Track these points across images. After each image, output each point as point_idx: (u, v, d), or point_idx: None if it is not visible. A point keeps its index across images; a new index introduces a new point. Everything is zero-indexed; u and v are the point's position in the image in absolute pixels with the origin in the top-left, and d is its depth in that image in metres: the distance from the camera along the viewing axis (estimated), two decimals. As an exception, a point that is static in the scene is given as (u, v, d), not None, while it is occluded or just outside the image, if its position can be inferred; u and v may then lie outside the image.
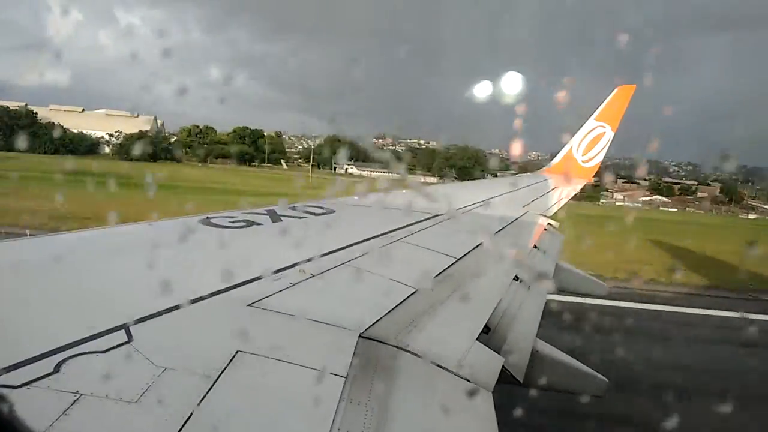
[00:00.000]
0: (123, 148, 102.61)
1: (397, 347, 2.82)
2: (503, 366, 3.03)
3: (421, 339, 2.97)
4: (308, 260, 3.75)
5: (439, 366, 2.76)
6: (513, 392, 3.19)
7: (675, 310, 19.13)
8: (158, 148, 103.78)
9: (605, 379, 3.83)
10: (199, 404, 1.94)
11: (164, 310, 2.57)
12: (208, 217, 4.60)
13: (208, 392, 2.02)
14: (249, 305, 2.87)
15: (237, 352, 2.33)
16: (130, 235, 4.11)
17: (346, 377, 2.33)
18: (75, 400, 1.82)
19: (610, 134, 16.30)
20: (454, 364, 2.80)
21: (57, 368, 1.97)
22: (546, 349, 3.77)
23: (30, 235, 4.44)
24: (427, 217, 6.28)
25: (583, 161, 16.47)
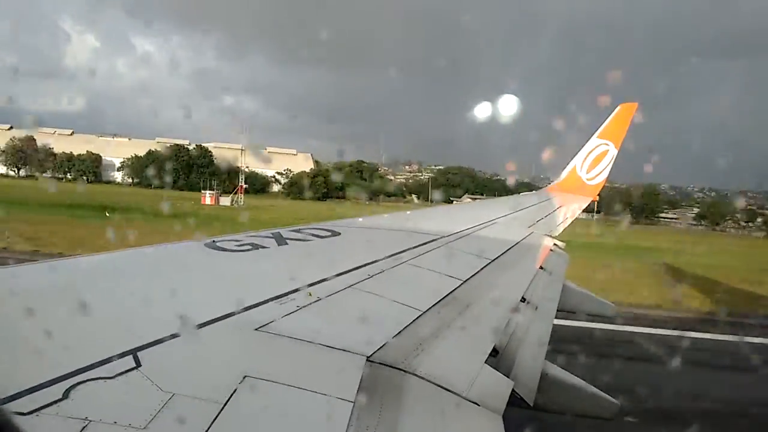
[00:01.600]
0: (295, 187, 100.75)
1: (404, 371, 2.81)
2: (513, 389, 3.00)
3: (428, 362, 2.95)
4: (315, 283, 3.75)
5: (447, 390, 2.74)
6: (524, 415, 3.16)
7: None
8: (325, 186, 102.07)
9: (616, 401, 3.79)
10: (207, 430, 1.93)
11: (171, 335, 2.57)
12: (214, 241, 4.62)
13: (216, 418, 2.01)
14: (256, 329, 2.86)
15: (245, 377, 2.32)
16: (135, 260, 4.12)
17: (354, 402, 2.32)
18: (84, 427, 1.81)
19: (613, 152, 16.36)
20: (463, 388, 2.78)
21: (66, 394, 1.96)
22: (555, 371, 3.74)
23: (41, 259, 4.46)
24: (433, 238, 6.28)
25: (587, 179, 16.50)
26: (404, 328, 3.33)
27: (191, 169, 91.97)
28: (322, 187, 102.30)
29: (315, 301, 3.46)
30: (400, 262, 4.96)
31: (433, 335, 3.37)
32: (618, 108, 16.40)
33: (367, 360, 2.75)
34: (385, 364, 2.80)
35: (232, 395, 2.17)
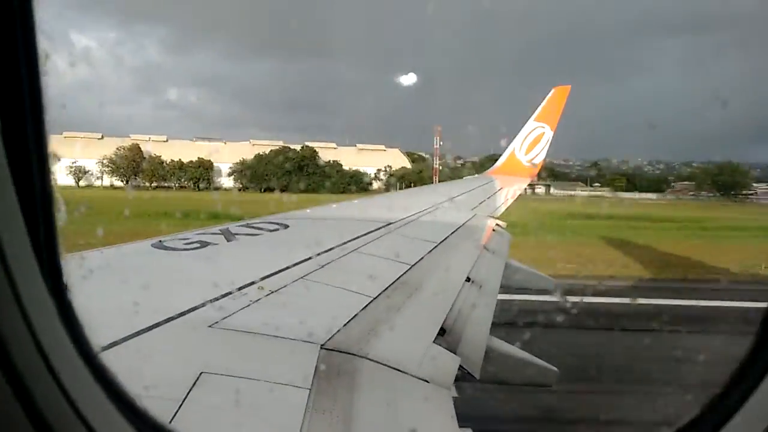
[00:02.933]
0: (403, 181, 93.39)
1: (357, 355, 2.93)
2: (460, 364, 3.18)
3: (380, 346, 3.09)
4: (266, 277, 3.81)
5: (398, 370, 2.88)
6: (472, 388, 3.35)
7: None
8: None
9: (556, 369, 4.05)
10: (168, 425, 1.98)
11: (125, 336, 2.59)
12: (160, 241, 4.58)
13: (175, 414, 2.07)
14: (210, 326, 2.91)
15: (201, 373, 2.38)
16: (81, 263, 4.05)
17: (310, 388, 2.42)
18: None
19: (549, 134, 17.00)
20: (413, 367, 2.93)
21: None
22: (500, 345, 3.96)
23: None
24: (380, 226, 6.42)
25: (526, 161, 17.09)
26: (355, 315, 3.45)
27: (301, 170, 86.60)
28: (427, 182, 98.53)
29: (267, 295, 3.52)
30: (348, 251, 5.07)
31: (384, 319, 3.51)
32: (552, 91, 17.02)
33: (321, 347, 2.86)
34: (338, 351, 2.91)
35: (189, 392, 2.23)
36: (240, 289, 3.50)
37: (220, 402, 2.29)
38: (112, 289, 3.38)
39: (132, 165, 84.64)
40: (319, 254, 4.67)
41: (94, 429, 1.14)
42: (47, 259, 1.13)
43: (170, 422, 2.03)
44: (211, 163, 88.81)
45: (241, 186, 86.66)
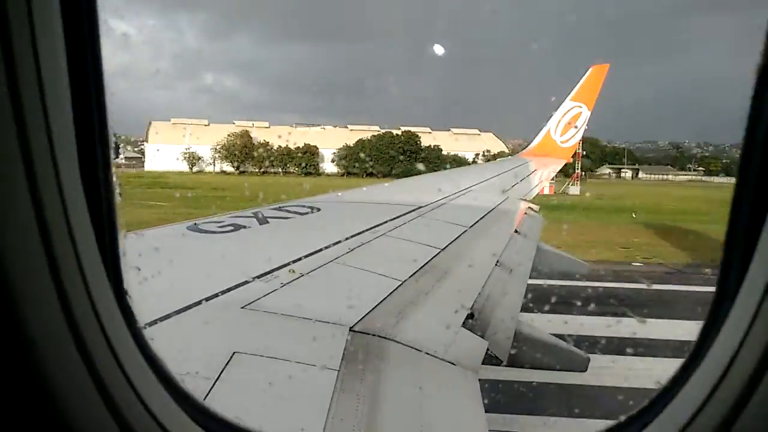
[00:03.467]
0: None
1: (386, 338, 2.98)
2: (487, 348, 3.20)
3: (408, 329, 3.13)
4: (297, 260, 3.89)
5: (426, 353, 2.92)
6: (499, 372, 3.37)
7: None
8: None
9: (587, 355, 4.03)
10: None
11: (161, 317, 2.69)
12: (195, 224, 4.71)
13: (208, 393, 2.15)
14: (243, 307, 3.00)
15: (234, 353, 2.47)
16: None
17: (338, 369, 2.48)
18: None
19: (586, 114, 16.56)
20: (441, 350, 2.97)
21: None
22: (529, 330, 3.96)
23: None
24: (410, 209, 6.43)
25: (561, 141, 16.72)
26: (385, 298, 3.50)
27: (403, 155, 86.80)
28: None
29: (298, 278, 3.60)
30: (379, 235, 5.11)
31: (413, 303, 3.55)
32: (590, 69, 16.54)
33: (350, 330, 2.92)
34: (367, 333, 2.97)
35: (222, 371, 2.31)
36: (272, 271, 3.58)
37: (251, 381, 2.37)
38: (148, 271, 3.50)
39: (243, 151, 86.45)
40: (349, 238, 4.73)
41: (155, 415, 1.21)
42: (111, 260, 1.20)
43: (205, 398, 2.11)
44: (317, 149, 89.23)
45: (343, 171, 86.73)
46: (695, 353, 1.33)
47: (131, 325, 1.25)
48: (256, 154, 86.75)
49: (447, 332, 3.23)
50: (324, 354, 2.65)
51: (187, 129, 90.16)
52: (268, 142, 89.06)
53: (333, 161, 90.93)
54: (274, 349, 2.61)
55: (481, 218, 6.89)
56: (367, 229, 5.14)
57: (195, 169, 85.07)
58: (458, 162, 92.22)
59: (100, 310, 1.10)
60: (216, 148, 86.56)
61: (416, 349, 2.95)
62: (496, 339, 3.45)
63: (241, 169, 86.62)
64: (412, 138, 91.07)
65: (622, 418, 1.45)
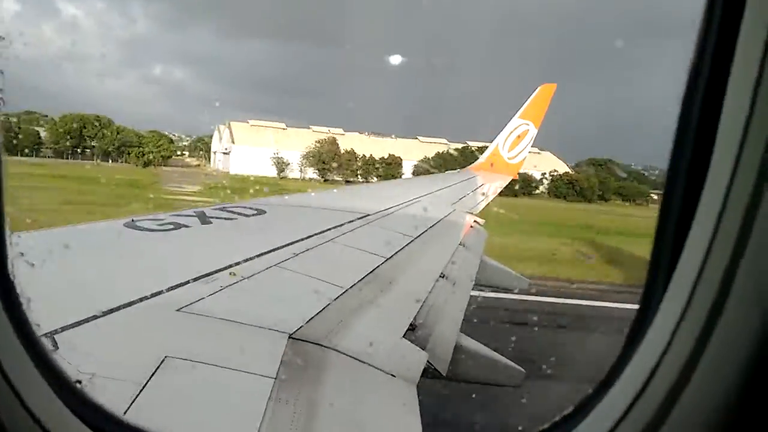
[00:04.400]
0: (568, 188, 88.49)
1: (325, 346, 2.93)
2: (427, 360, 3.20)
3: (349, 338, 3.09)
4: (239, 263, 3.79)
5: (365, 363, 2.89)
6: (438, 385, 3.38)
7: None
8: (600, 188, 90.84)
9: (522, 369, 4.10)
10: (127, 410, 1.97)
11: (91, 316, 2.55)
12: (133, 220, 4.51)
13: (135, 398, 2.05)
14: (178, 310, 2.89)
15: (165, 357, 2.36)
16: (55, 240, 3.97)
17: (275, 377, 2.42)
18: None
19: (533, 131, 17.07)
20: (381, 361, 2.95)
21: None
22: (468, 343, 3.99)
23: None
24: (357, 217, 6.41)
25: (509, 158, 17.15)
26: (326, 306, 3.45)
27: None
28: (595, 190, 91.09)
29: (238, 281, 3.50)
30: (324, 241, 5.05)
31: (354, 312, 3.52)
32: (538, 89, 17.09)
33: (289, 337, 2.85)
34: (306, 341, 2.91)
35: (152, 376, 2.21)
36: (211, 273, 3.47)
37: (182, 386, 2.27)
38: (79, 267, 3.33)
39: (330, 158, 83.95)
40: (294, 242, 4.65)
41: (37, 417, 1.13)
42: None
43: (131, 404, 2.01)
44: (401, 160, 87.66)
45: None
46: (622, 356, 1.36)
47: (20, 326, 1.18)
48: (342, 162, 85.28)
49: (388, 342, 3.21)
50: (261, 361, 2.58)
51: (268, 132, 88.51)
52: (353, 150, 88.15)
53: (414, 173, 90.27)
54: (208, 354, 2.52)
55: (428, 229, 6.94)
56: (313, 235, 5.08)
57: (281, 174, 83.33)
58: (526, 181, 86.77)
59: None
60: (305, 154, 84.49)
61: (356, 358, 2.92)
62: (436, 351, 3.46)
63: (326, 177, 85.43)
64: (468, 151, 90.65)
65: (552, 420, 1.48)
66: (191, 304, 2.98)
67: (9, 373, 1.09)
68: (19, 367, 1.14)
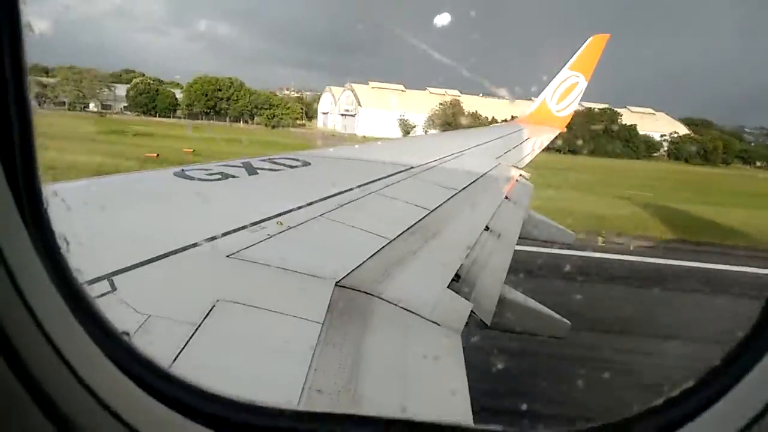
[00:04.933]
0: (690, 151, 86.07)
1: (371, 294, 2.97)
2: (471, 310, 3.21)
3: (394, 287, 3.12)
4: (285, 212, 3.84)
5: (410, 311, 2.92)
6: (482, 334, 3.39)
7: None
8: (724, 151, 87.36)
9: (568, 322, 4.07)
10: (182, 349, 2.05)
11: (145, 260, 2.64)
12: (183, 170, 4.61)
13: (190, 338, 2.13)
14: (228, 256, 2.96)
15: (217, 300, 2.44)
16: (106, 189, 4.11)
17: (322, 323, 2.47)
18: None
19: (583, 84, 16.39)
20: (425, 310, 2.96)
21: None
22: (513, 295, 3.97)
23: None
24: (402, 169, 6.37)
25: (557, 110, 16.59)
26: (372, 255, 3.47)
27: (605, 133, 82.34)
28: (719, 152, 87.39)
29: (285, 230, 3.55)
30: (369, 192, 5.06)
31: (399, 262, 3.53)
32: (589, 39, 16.29)
33: (335, 285, 2.90)
34: (352, 288, 2.95)
35: (205, 318, 2.29)
36: (259, 222, 3.53)
37: (233, 328, 2.35)
38: (132, 214, 3.43)
39: (453, 119, 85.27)
40: (339, 193, 4.67)
41: (76, 371, 1.15)
42: (30, 211, 1.13)
43: (186, 343, 2.09)
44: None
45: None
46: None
47: (60, 277, 1.18)
48: (466, 123, 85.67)
49: (432, 292, 3.22)
50: (308, 306, 2.64)
51: (388, 93, 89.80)
52: (477, 111, 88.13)
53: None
54: (258, 298, 2.59)
55: (472, 182, 6.85)
56: (358, 186, 5.08)
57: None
58: (648, 142, 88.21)
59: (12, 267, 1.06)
60: (430, 116, 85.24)
61: (401, 306, 2.94)
62: (481, 301, 3.46)
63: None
64: (613, 116, 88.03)
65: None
66: (240, 251, 3.05)
67: (45, 324, 1.10)
68: (57, 317, 1.15)
